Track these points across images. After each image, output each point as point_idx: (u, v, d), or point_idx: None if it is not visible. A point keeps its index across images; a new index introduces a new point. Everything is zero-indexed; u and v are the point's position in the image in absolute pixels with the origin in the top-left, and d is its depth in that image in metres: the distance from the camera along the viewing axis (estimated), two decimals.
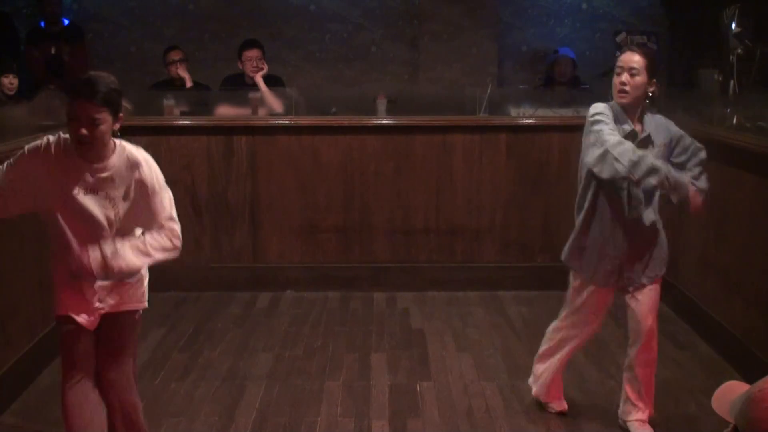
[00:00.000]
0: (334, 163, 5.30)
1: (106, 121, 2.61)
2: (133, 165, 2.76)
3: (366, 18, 7.36)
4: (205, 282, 5.33)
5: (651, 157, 2.97)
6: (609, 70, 7.43)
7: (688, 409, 3.67)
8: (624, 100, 3.07)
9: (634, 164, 2.91)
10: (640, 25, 7.34)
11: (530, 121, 5.38)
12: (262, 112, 5.65)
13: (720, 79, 5.62)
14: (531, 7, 7.43)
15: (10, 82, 5.72)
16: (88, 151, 2.64)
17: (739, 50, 5.43)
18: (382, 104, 5.54)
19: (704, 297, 4.50)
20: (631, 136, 3.07)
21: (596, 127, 3.04)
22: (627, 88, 3.05)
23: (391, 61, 7.40)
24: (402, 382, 3.98)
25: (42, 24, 6.73)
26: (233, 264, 5.37)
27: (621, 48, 3.23)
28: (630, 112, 3.11)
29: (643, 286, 3.23)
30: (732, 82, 5.42)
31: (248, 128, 5.32)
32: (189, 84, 6.01)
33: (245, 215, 5.33)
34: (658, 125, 3.16)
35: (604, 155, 2.96)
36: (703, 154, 3.21)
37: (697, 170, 3.19)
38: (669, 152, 3.16)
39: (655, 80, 3.10)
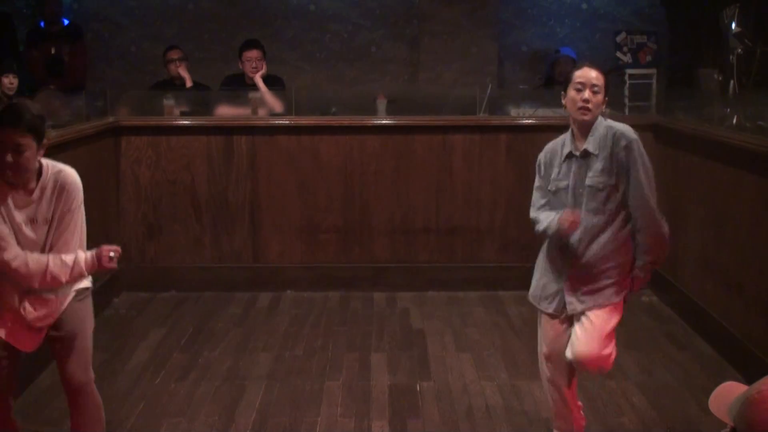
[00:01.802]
0: (334, 163, 5.30)
1: (30, 147, 2.65)
2: (61, 185, 2.77)
3: (366, 18, 7.36)
4: (205, 282, 5.34)
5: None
6: (609, 70, 7.44)
7: (688, 409, 3.67)
8: (587, 118, 2.95)
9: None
10: (640, 25, 7.32)
11: (530, 121, 5.38)
12: (262, 112, 5.65)
13: (720, 79, 5.61)
14: (531, 7, 7.43)
15: (10, 82, 5.73)
16: (11, 178, 2.67)
17: (739, 50, 5.42)
18: (382, 104, 5.54)
19: (704, 297, 4.51)
20: (571, 156, 3.02)
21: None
22: (590, 105, 2.93)
23: (391, 61, 7.40)
24: (402, 382, 3.98)
25: (42, 24, 6.72)
26: (233, 264, 5.37)
27: (575, 66, 3.07)
28: (583, 129, 3.00)
29: (582, 313, 3.02)
30: (732, 82, 5.42)
31: (248, 128, 5.33)
32: (189, 84, 6.02)
33: (245, 215, 5.34)
34: (602, 136, 2.97)
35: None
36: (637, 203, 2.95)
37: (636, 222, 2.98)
38: (618, 166, 2.97)
39: (607, 98, 3.01)
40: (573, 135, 3.05)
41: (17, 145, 2.62)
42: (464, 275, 5.36)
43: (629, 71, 6.13)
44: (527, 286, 5.19)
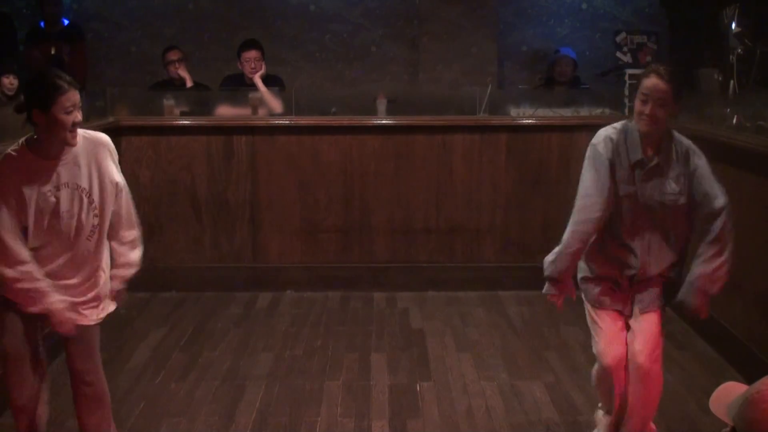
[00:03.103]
0: (334, 163, 5.30)
1: None
2: (96, 144, 2.84)
3: (366, 18, 7.36)
4: (205, 282, 5.34)
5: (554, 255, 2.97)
6: (609, 70, 7.42)
7: (688, 409, 3.67)
8: (648, 129, 2.86)
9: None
10: (640, 25, 7.33)
11: (530, 121, 5.38)
12: (261, 112, 5.65)
13: (720, 79, 5.61)
14: (531, 7, 7.43)
15: (11, 82, 5.73)
16: (72, 139, 2.70)
17: (739, 50, 5.42)
18: (382, 104, 5.54)
19: None
20: (639, 164, 2.92)
21: (583, 170, 2.98)
22: (654, 118, 2.83)
23: (391, 61, 7.40)
24: (402, 382, 3.98)
25: (42, 24, 6.72)
26: (233, 264, 5.37)
27: (645, 70, 2.93)
28: (649, 138, 2.90)
29: (639, 312, 3.02)
30: (732, 82, 5.42)
31: (248, 128, 5.33)
32: (189, 84, 6.02)
33: (245, 215, 5.34)
34: (679, 154, 2.91)
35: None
36: (718, 202, 2.86)
37: (710, 233, 2.87)
38: (689, 183, 2.92)
39: (679, 103, 2.87)
40: (640, 140, 2.91)
41: (78, 104, 2.68)
42: (464, 275, 5.36)
43: (629, 71, 6.12)
44: (527, 286, 5.27)
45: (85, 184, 2.76)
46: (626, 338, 3.03)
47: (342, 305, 5.14)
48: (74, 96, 2.65)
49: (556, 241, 3.30)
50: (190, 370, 4.13)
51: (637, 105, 2.88)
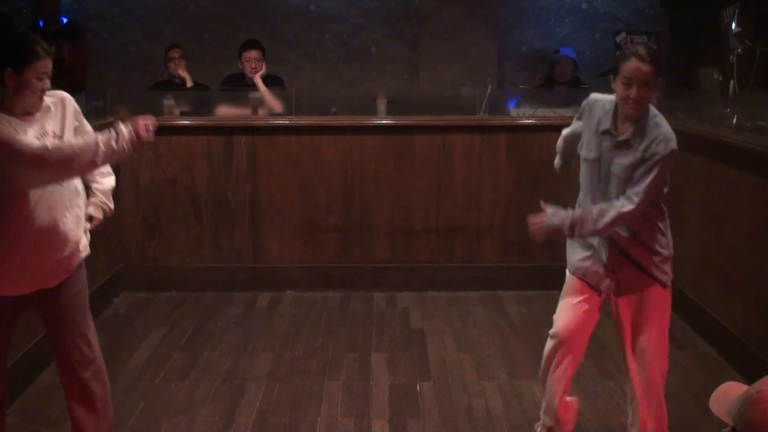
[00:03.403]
0: (334, 163, 5.30)
1: None
2: (62, 99, 2.93)
3: (366, 18, 7.36)
4: (205, 282, 5.34)
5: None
6: (609, 70, 7.41)
7: (687, 409, 3.67)
8: (635, 112, 2.85)
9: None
10: (640, 25, 7.33)
11: (530, 121, 5.38)
12: (262, 112, 5.66)
13: (720, 79, 5.61)
14: (531, 7, 7.43)
15: None
16: (40, 104, 2.79)
17: (739, 50, 5.42)
18: (382, 104, 5.54)
19: (704, 297, 4.51)
20: (607, 134, 2.93)
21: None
22: (639, 101, 2.83)
23: (391, 61, 7.40)
24: (402, 382, 3.98)
25: (40, 23, 6.71)
26: (233, 264, 5.37)
27: (623, 53, 2.92)
28: (629, 116, 2.90)
29: (628, 297, 3.07)
30: (732, 82, 5.42)
31: (248, 128, 5.33)
32: (189, 84, 6.03)
33: (245, 215, 5.34)
34: (648, 136, 2.85)
35: None
36: (627, 205, 2.88)
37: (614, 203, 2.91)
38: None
39: (659, 79, 2.90)
40: (616, 112, 2.93)
41: (49, 74, 2.78)
42: (464, 275, 5.36)
43: None
44: (527, 286, 5.28)
45: (59, 131, 2.83)
46: (588, 315, 3.09)
47: (342, 305, 5.14)
48: (48, 65, 2.76)
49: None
50: (190, 370, 4.13)
51: (621, 90, 2.86)
